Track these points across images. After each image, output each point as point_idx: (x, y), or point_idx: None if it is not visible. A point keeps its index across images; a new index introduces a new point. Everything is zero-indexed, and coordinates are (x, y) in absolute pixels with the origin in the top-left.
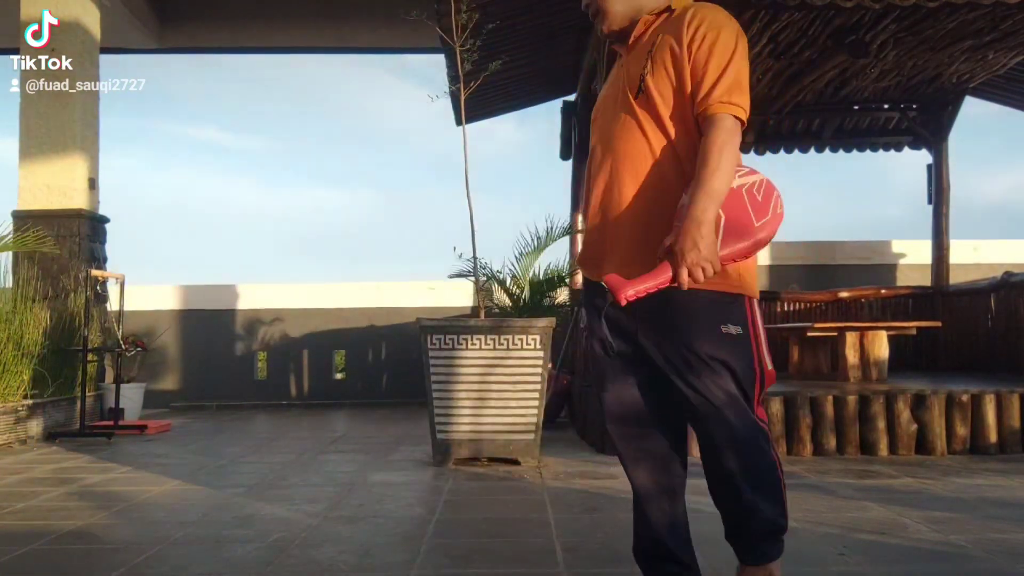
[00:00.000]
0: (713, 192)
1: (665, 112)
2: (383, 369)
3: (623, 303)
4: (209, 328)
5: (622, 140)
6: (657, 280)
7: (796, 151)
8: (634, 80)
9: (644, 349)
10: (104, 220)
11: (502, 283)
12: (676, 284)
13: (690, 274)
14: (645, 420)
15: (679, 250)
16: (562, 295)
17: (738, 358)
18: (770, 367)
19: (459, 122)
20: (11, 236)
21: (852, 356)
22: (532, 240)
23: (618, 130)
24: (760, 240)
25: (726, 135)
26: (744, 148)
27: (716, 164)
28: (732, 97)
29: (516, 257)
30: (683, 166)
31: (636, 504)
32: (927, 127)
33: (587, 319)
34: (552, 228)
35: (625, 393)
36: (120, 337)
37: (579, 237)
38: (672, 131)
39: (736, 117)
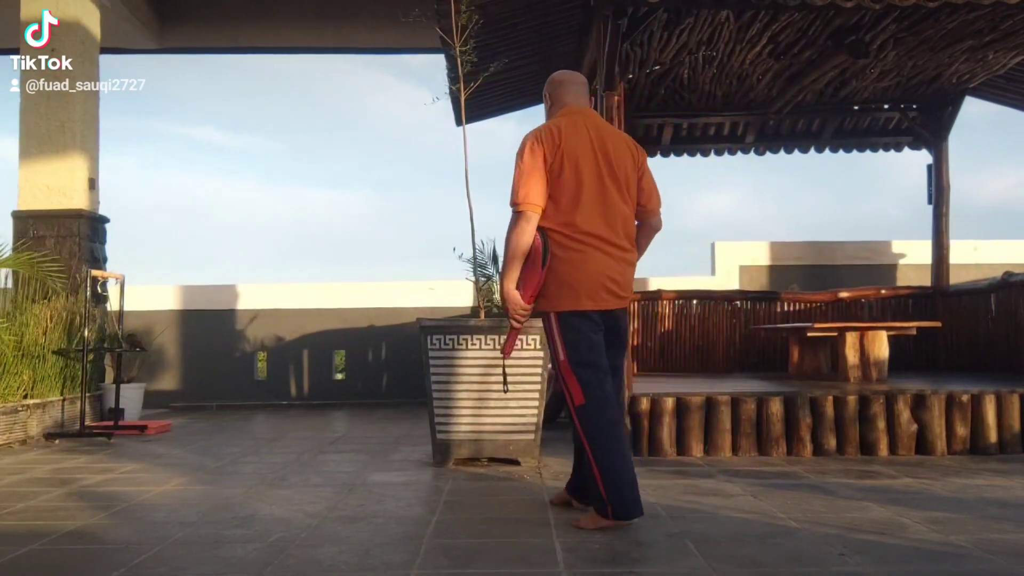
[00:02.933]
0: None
1: None
2: (383, 369)
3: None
4: (209, 328)
5: None
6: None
7: (796, 151)
8: None
9: None
10: (104, 220)
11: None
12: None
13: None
14: None
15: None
16: None
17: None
18: (562, 357)
19: (459, 122)
20: (9, 250)
21: (852, 356)
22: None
23: None
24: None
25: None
26: (744, 149)
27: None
28: (516, 197)
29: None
30: None
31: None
32: (927, 127)
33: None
34: None
35: None
36: (120, 337)
37: None
38: None
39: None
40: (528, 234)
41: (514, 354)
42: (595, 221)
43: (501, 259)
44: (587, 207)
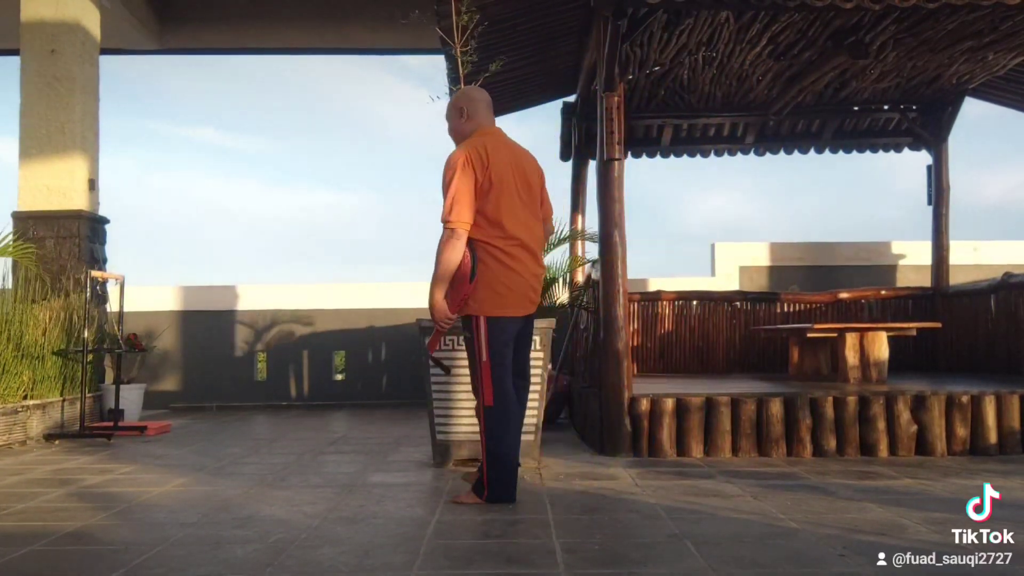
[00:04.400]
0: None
1: None
2: (383, 370)
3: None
4: (209, 328)
5: None
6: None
7: (796, 152)
8: None
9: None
10: (104, 221)
11: None
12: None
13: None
14: None
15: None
16: (562, 296)
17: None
18: (484, 358)
19: None
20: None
21: (852, 357)
22: None
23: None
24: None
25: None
26: (744, 149)
27: (437, 258)
28: (443, 213)
29: None
30: None
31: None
32: (927, 128)
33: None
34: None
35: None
36: (120, 338)
37: (579, 238)
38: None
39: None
40: (458, 250)
41: None
42: (520, 231)
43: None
44: (513, 219)
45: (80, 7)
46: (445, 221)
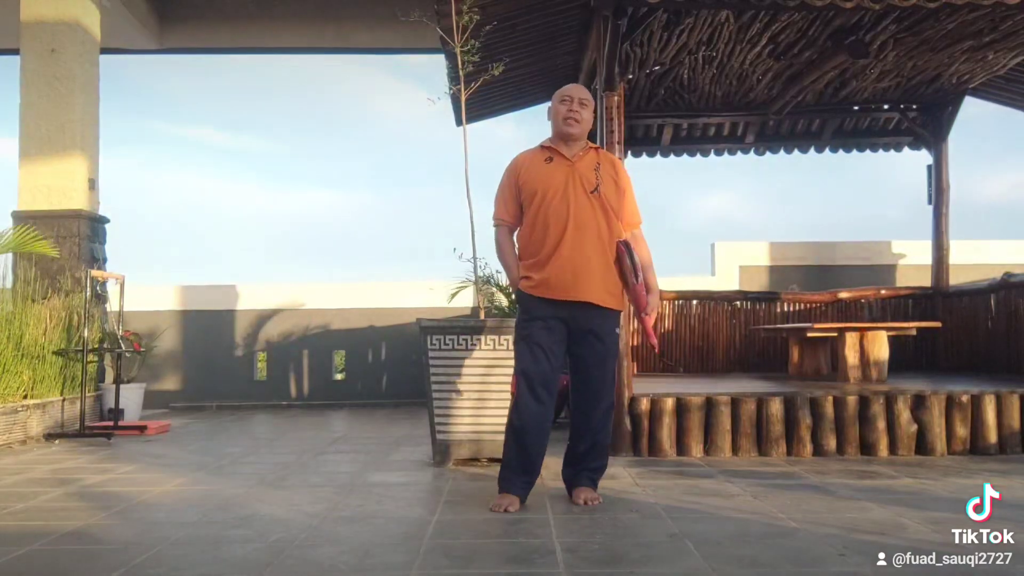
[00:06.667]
0: (655, 276)
1: (607, 206)
2: (383, 369)
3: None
4: (209, 328)
5: (585, 215)
6: (650, 326)
7: (796, 151)
8: (589, 181)
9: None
10: (104, 220)
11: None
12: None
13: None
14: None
15: (653, 309)
16: None
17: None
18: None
19: (459, 122)
20: (11, 235)
21: (852, 357)
22: None
23: (581, 208)
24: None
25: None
26: (744, 149)
27: (652, 262)
28: (640, 217)
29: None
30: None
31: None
32: (927, 128)
33: (547, 325)
34: None
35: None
36: (120, 337)
37: None
38: (612, 215)
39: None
40: None
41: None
42: None
43: (641, 269)
44: None
45: (80, 7)
46: (639, 222)
